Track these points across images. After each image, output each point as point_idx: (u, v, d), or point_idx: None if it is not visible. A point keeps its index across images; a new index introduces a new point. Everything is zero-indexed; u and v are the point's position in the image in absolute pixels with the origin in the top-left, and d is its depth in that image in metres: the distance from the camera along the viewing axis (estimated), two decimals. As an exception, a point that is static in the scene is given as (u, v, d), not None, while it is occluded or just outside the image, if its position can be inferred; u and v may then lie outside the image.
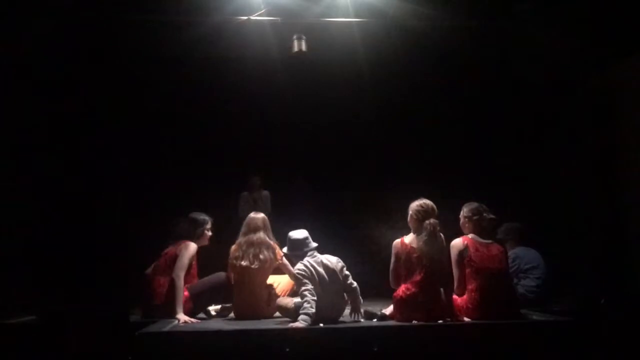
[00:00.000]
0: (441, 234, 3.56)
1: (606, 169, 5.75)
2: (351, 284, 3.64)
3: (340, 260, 3.69)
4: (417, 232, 3.55)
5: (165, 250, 4.00)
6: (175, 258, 3.85)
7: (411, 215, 3.62)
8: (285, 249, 3.78)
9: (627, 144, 5.56)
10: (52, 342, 3.25)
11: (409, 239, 3.57)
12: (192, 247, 3.92)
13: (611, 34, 5.24)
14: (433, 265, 3.45)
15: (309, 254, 3.64)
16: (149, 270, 3.99)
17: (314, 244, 3.73)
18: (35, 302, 4.06)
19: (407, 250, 3.51)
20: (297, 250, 3.68)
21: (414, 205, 3.63)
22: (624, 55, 5.40)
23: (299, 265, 3.58)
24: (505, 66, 6.22)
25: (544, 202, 6.16)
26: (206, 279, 4.08)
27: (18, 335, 3.40)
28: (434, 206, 3.61)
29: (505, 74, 6.28)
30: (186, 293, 3.85)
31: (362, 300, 3.68)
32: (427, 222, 3.49)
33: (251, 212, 5.84)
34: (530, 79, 6.15)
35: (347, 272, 3.65)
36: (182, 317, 3.60)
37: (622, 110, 5.64)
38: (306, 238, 3.71)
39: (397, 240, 3.59)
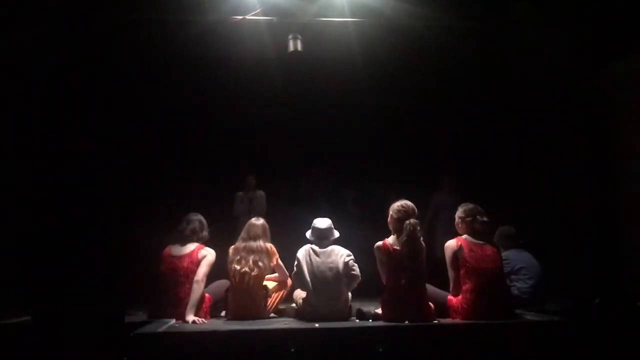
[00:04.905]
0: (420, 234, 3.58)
1: (602, 168, 5.75)
2: (354, 272, 3.74)
3: (349, 253, 3.80)
4: (398, 233, 3.57)
5: (170, 251, 3.88)
6: (197, 263, 3.79)
7: (392, 216, 3.65)
8: (308, 234, 3.91)
9: (623, 144, 5.56)
10: (47, 342, 3.25)
11: (390, 240, 3.60)
12: (214, 254, 3.90)
13: (610, 33, 5.24)
14: (415, 265, 3.48)
15: (315, 241, 3.81)
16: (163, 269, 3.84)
17: (331, 235, 3.85)
18: (30, 302, 4.06)
19: (389, 251, 3.53)
20: (312, 236, 3.85)
21: (395, 206, 3.65)
22: (623, 55, 5.39)
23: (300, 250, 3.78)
24: (504, 66, 6.20)
25: (539, 202, 6.16)
26: (221, 283, 4.07)
27: (13, 335, 3.39)
28: (414, 207, 3.64)
29: (504, 73, 6.27)
30: (208, 296, 3.88)
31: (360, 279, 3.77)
32: (407, 222, 3.52)
33: (246, 211, 5.88)
34: (528, 79, 6.14)
35: (351, 262, 3.75)
36: (191, 317, 3.57)
37: (620, 110, 5.64)
38: (325, 228, 3.85)
39: (379, 243, 3.61)
